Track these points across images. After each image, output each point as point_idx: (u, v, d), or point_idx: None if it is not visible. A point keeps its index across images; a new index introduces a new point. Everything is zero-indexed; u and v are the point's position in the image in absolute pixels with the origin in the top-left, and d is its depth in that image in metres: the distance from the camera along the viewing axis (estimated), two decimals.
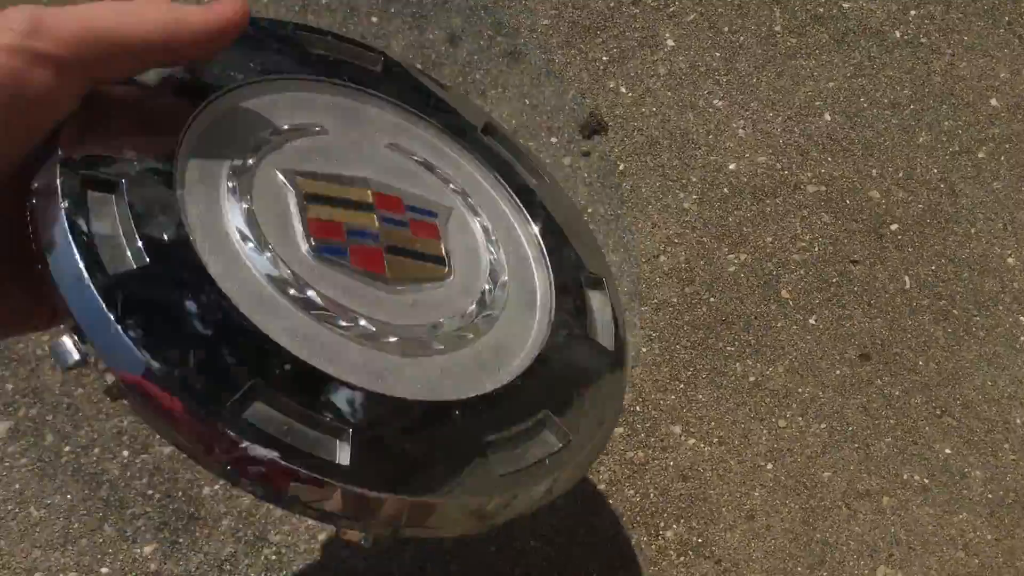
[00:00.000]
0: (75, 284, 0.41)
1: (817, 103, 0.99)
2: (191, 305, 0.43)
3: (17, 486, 0.80)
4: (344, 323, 0.49)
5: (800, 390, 0.85)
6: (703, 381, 0.85)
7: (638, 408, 0.84)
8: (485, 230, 0.60)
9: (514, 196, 0.63)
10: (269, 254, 0.48)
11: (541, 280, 0.60)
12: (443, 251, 0.56)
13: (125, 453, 0.81)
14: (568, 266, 0.61)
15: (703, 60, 1.02)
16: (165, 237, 0.45)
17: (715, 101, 0.99)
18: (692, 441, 0.82)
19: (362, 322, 0.49)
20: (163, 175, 0.46)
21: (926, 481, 0.81)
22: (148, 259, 0.43)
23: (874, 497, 0.80)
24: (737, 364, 0.86)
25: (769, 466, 0.81)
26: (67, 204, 0.42)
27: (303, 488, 0.40)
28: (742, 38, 1.03)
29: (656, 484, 0.80)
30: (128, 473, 0.80)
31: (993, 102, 0.99)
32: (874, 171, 0.96)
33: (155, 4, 0.45)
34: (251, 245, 0.48)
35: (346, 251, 0.51)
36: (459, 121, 0.63)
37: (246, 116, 0.54)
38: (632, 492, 0.80)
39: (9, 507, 0.79)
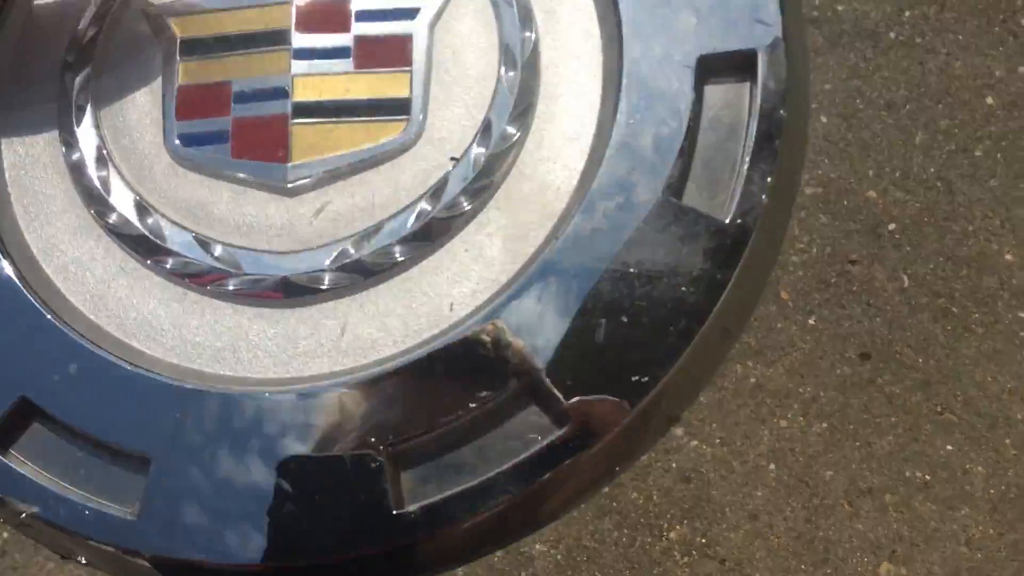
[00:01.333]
0: None
1: (813, 105, 1.00)
2: None
3: None
4: (192, 269, 0.33)
5: (801, 390, 0.85)
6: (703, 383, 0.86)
7: None
8: (512, 7, 0.34)
9: None
10: (112, 171, 0.34)
11: (603, 88, 0.34)
12: (407, 86, 0.34)
13: None
14: (675, 43, 0.33)
15: None
16: None
17: None
18: (694, 443, 0.83)
19: (221, 257, 0.33)
20: None
21: (928, 478, 0.82)
22: None
23: (876, 495, 0.81)
24: (738, 366, 0.87)
25: (771, 466, 0.82)
26: None
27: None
28: None
29: (659, 486, 0.81)
30: None
31: (989, 100, 1.00)
32: (871, 171, 0.96)
33: None
34: (76, 155, 0.34)
35: (226, 135, 0.34)
36: None
37: None
38: (636, 495, 0.81)
39: None
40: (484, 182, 0.33)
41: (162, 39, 0.35)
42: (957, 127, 0.99)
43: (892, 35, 1.04)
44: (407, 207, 0.33)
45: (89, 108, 0.34)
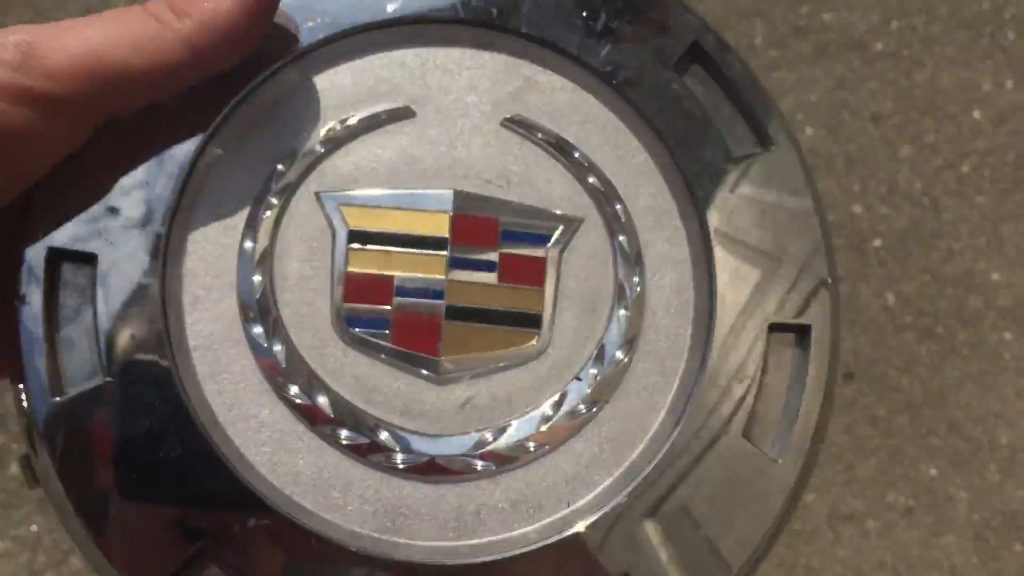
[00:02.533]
0: (37, 399, 0.36)
1: (799, 116, 0.98)
2: (145, 438, 0.37)
3: None
4: (354, 442, 0.39)
5: None
6: None
7: None
8: (624, 249, 0.42)
9: (693, 183, 0.41)
10: (283, 347, 0.39)
11: (692, 332, 0.40)
12: (540, 304, 0.41)
13: None
14: (755, 302, 0.41)
15: None
16: (134, 339, 0.38)
17: None
18: None
19: (384, 436, 0.39)
20: (150, 240, 0.39)
21: (911, 503, 0.80)
22: (110, 376, 0.37)
23: (859, 520, 0.79)
24: None
25: None
26: (32, 298, 0.36)
27: None
28: None
29: None
30: None
31: (976, 115, 0.98)
32: (856, 186, 0.95)
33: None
34: (257, 331, 0.39)
35: (388, 324, 0.40)
36: (641, 50, 0.42)
37: (295, 106, 0.42)
38: None
39: None
40: (597, 397, 0.39)
41: (334, 226, 0.40)
42: (944, 141, 0.97)
43: (879, 46, 1.03)
44: (534, 409, 0.38)
45: (268, 284, 0.39)
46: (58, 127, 0.35)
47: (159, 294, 0.38)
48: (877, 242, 0.92)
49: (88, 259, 0.37)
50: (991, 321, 0.88)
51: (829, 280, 0.38)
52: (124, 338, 0.38)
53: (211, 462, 0.36)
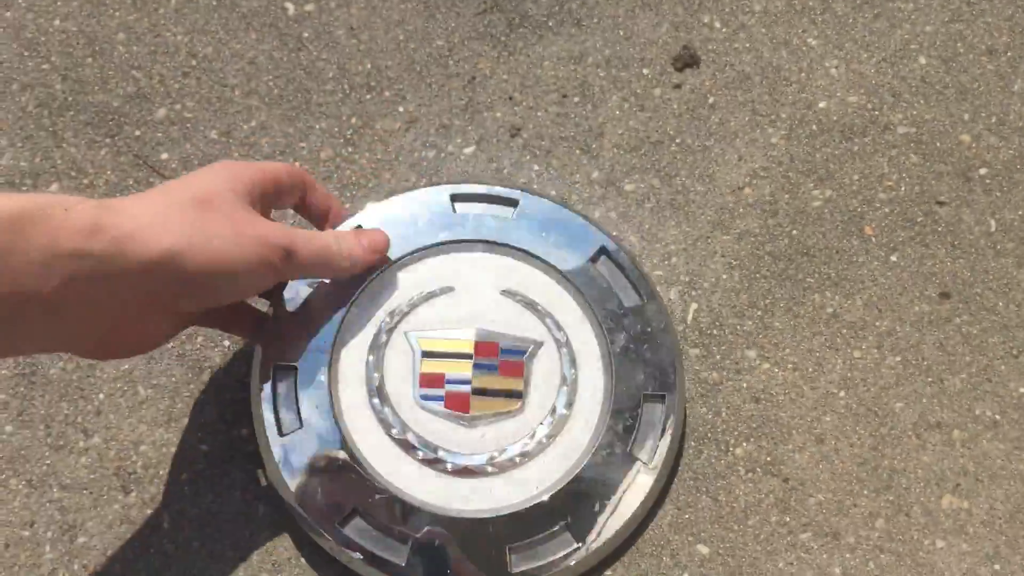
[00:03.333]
0: (264, 440, 0.77)
1: (913, 46, 0.99)
2: (322, 456, 0.75)
3: (126, 366, 0.86)
4: (425, 457, 0.75)
5: (877, 323, 0.86)
6: (781, 309, 0.87)
7: (715, 332, 0.86)
8: (566, 357, 0.78)
9: (603, 320, 0.78)
10: (389, 409, 0.76)
11: (604, 400, 0.77)
12: (522, 385, 0.76)
13: (226, 343, 0.86)
14: (634, 385, 0.77)
15: None
16: (316, 407, 0.76)
17: (809, 40, 1.00)
18: (766, 366, 0.85)
19: (440, 453, 0.75)
20: (324, 356, 0.77)
21: (998, 417, 0.82)
22: (301, 425, 0.76)
23: (945, 429, 0.82)
24: (816, 295, 0.88)
25: (842, 393, 0.83)
26: (264, 385, 0.77)
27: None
28: None
29: (729, 404, 0.83)
30: (227, 362, 0.86)
31: None
32: (966, 115, 0.96)
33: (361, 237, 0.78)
34: (376, 401, 0.77)
35: (442, 397, 0.76)
36: (572, 253, 0.81)
37: (394, 286, 0.80)
38: (705, 410, 0.83)
39: (118, 385, 0.85)
40: (552, 434, 0.77)
41: (413, 348, 0.78)
42: None
43: None
44: (520, 440, 0.76)
45: (381, 378, 0.78)
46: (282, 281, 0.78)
47: (327, 386, 0.76)
48: (983, 171, 0.93)
49: (292, 369, 0.78)
50: None
51: (675, 370, 0.78)
52: (310, 403, 0.76)
53: (357, 471, 0.74)
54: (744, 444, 0.82)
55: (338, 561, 0.74)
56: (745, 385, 0.84)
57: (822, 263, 0.89)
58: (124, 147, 0.94)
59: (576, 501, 0.73)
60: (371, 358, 0.77)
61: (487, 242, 0.81)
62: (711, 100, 0.97)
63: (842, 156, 0.94)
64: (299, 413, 0.75)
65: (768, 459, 0.81)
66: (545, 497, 0.73)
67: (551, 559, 0.72)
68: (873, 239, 0.90)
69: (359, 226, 0.80)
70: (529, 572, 0.71)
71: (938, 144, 0.94)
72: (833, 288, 0.88)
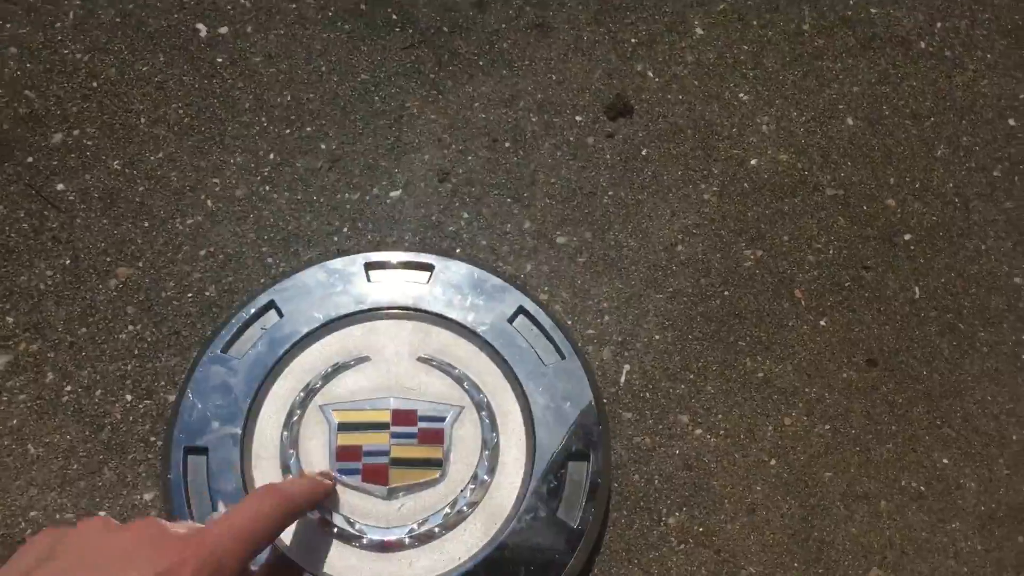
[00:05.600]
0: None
1: (841, 106, 1.00)
2: None
3: (15, 422, 0.77)
4: (342, 532, 0.72)
5: (807, 390, 0.86)
6: (713, 373, 0.86)
7: (647, 395, 0.84)
8: (485, 421, 0.75)
9: (524, 380, 0.77)
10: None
11: (526, 462, 0.74)
12: (441, 453, 0.74)
13: (128, 397, 0.79)
14: (556, 445, 0.75)
15: (731, 52, 1.01)
16: (230, 488, 0.73)
17: (740, 95, 0.99)
18: (699, 431, 0.83)
19: (358, 528, 0.72)
20: (236, 436, 0.75)
21: (923, 488, 0.83)
22: (214, 508, 0.73)
23: (872, 500, 0.82)
24: (747, 359, 0.86)
25: (772, 462, 0.82)
26: (173, 468, 0.73)
27: None
28: (770, 33, 1.03)
29: (661, 471, 0.81)
30: (131, 418, 0.79)
31: (1011, 122, 1.00)
32: (892, 179, 0.97)
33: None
34: (290, 477, 0.72)
35: (359, 470, 0.73)
36: (490, 314, 0.79)
37: (303, 364, 0.78)
38: (637, 477, 0.80)
39: (5, 442, 0.77)
40: (474, 501, 0.73)
41: (330, 421, 0.75)
42: (978, 145, 0.99)
43: (923, 44, 1.04)
44: (441, 509, 0.73)
45: (295, 454, 0.74)
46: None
47: (240, 465, 0.73)
48: (907, 236, 0.94)
49: (203, 451, 0.74)
50: (1011, 323, 0.90)
51: (599, 427, 0.76)
52: (223, 480, 0.73)
53: (272, 551, 0.66)
54: (676, 513, 0.80)
55: None
56: (678, 452, 0.82)
57: (753, 325, 0.88)
58: (14, 175, 0.85)
59: (500, 569, 0.70)
60: (285, 434, 0.74)
61: (402, 308, 0.79)
62: (644, 152, 0.95)
63: (773, 216, 0.93)
64: (211, 497, 0.72)
65: (700, 530, 0.79)
66: (469, 566, 0.71)
67: None
68: (803, 303, 0.90)
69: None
70: None
71: (864, 208, 0.95)
72: (764, 352, 0.87)
